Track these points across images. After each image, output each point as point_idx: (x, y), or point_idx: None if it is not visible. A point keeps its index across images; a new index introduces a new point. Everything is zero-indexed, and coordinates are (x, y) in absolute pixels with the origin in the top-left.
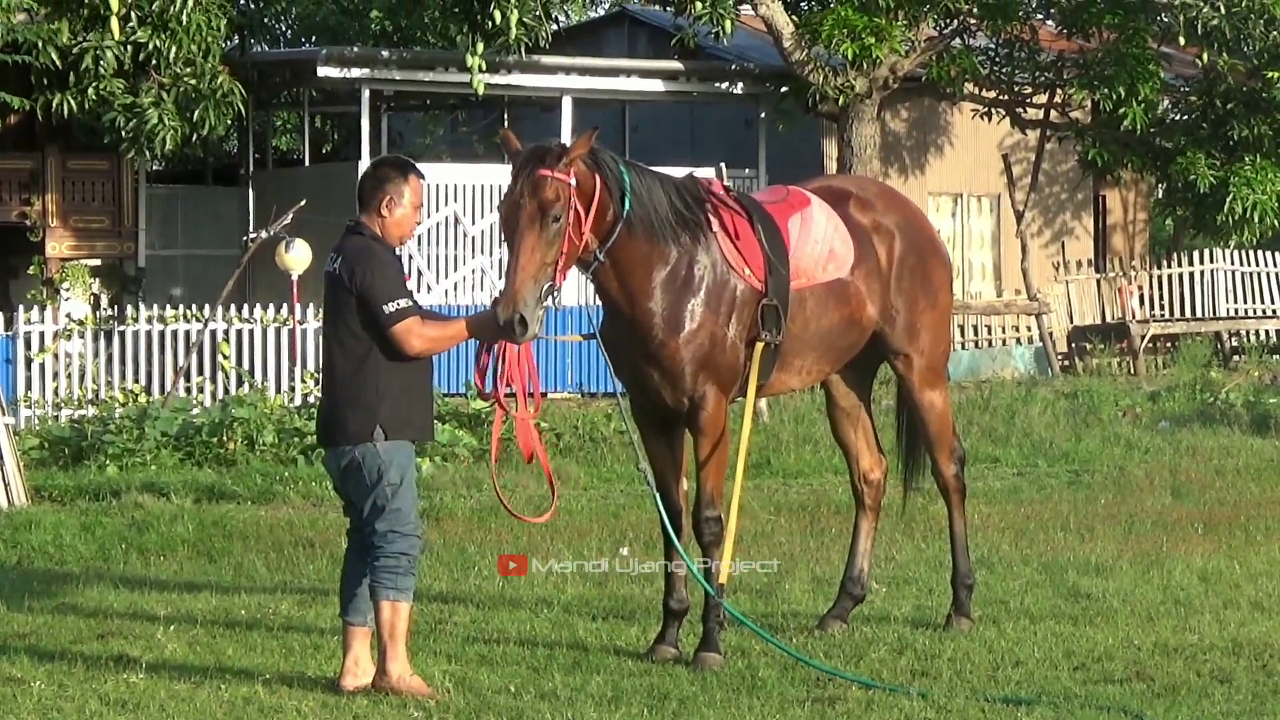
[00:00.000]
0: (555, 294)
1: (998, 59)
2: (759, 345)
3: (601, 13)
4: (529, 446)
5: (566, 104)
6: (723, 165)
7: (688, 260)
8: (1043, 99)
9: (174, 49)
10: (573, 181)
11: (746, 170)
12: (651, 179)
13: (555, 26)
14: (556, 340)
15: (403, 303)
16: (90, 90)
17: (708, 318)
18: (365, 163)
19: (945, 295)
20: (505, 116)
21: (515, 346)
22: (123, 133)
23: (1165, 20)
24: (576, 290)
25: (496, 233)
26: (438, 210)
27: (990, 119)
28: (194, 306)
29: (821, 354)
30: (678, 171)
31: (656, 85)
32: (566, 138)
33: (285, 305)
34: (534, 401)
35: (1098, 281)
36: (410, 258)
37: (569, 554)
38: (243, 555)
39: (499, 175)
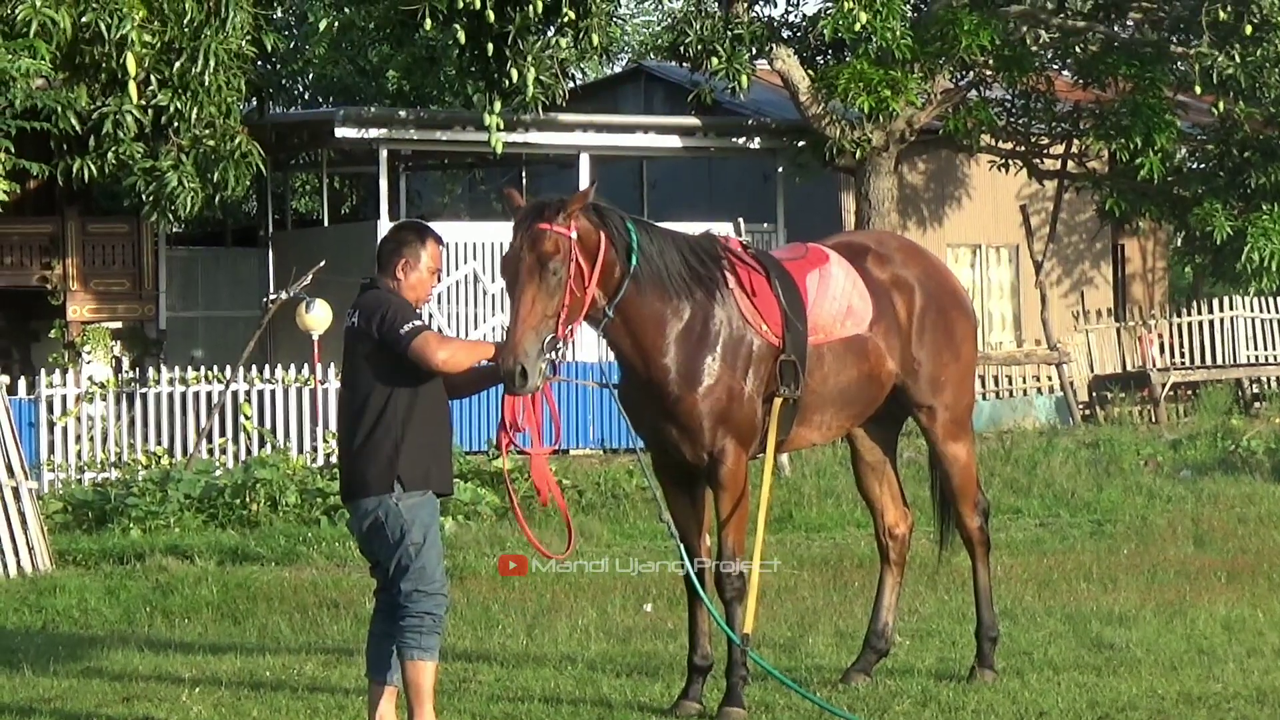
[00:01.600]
0: (560, 348)
1: (1014, 110)
2: (777, 400)
3: (618, 70)
4: (544, 487)
5: (584, 161)
6: (740, 220)
7: (702, 316)
8: (1060, 149)
9: (194, 110)
10: (573, 235)
11: (765, 224)
12: (663, 237)
13: (572, 84)
14: (576, 384)
15: (417, 322)
16: (110, 154)
17: (724, 373)
18: (384, 222)
19: (968, 348)
20: (523, 174)
21: (519, 397)
22: (143, 196)
23: (1181, 69)
24: (598, 346)
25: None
26: (457, 269)
27: (1007, 170)
28: (215, 368)
29: (841, 408)
30: (695, 227)
31: (674, 141)
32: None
33: (306, 365)
34: (547, 441)
35: (1118, 330)
36: (430, 316)
37: (592, 609)
38: (267, 617)
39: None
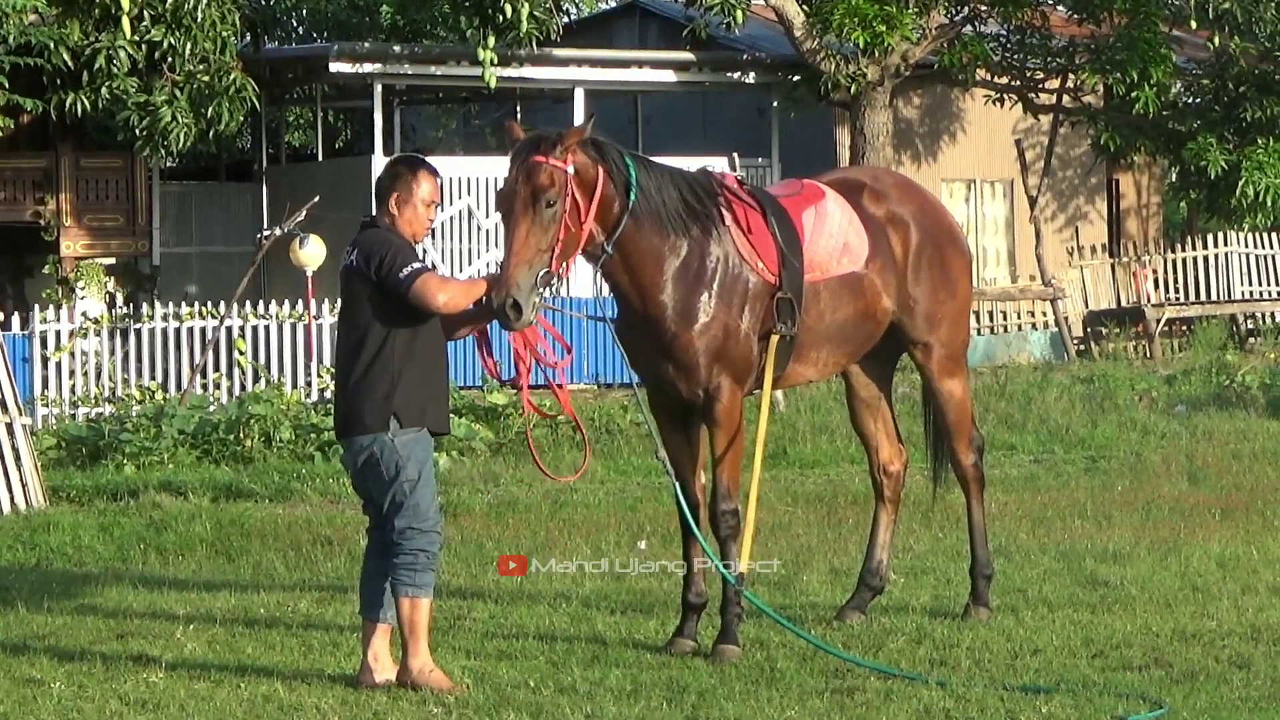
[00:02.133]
0: (555, 282)
1: (1009, 45)
2: (774, 338)
3: (612, 4)
4: (566, 406)
5: (579, 96)
6: (735, 155)
7: (699, 253)
8: (1055, 84)
9: (188, 46)
10: (570, 169)
11: (760, 159)
12: (661, 173)
13: (566, 19)
14: (570, 315)
15: (417, 264)
16: (103, 89)
17: (721, 310)
18: (378, 157)
19: (964, 284)
20: (518, 109)
21: (513, 331)
22: (136, 131)
23: (1177, 4)
24: (594, 280)
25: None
26: (451, 204)
27: (1003, 105)
28: (209, 304)
29: (837, 346)
30: (690, 162)
31: (668, 76)
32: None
33: (300, 301)
34: (557, 372)
35: (1112, 266)
36: (425, 252)
37: (586, 547)
38: (261, 554)
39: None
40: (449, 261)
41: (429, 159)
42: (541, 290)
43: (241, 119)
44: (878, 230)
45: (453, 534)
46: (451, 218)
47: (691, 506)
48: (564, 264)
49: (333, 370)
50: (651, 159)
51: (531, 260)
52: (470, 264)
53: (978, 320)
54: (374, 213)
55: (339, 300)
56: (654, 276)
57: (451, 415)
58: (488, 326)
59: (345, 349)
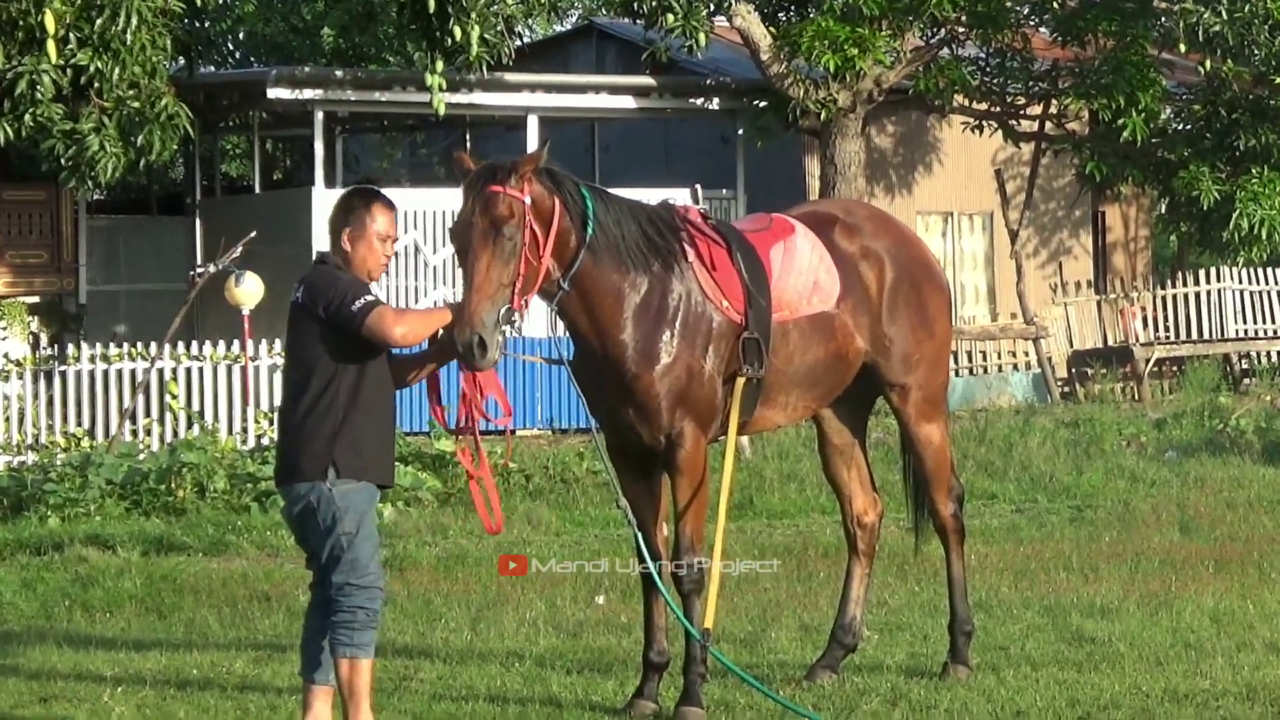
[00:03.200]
0: (515, 320)
1: (989, 69)
2: (739, 380)
3: (568, 27)
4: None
5: (532, 123)
6: (698, 186)
7: (661, 291)
8: (1037, 110)
9: (116, 70)
10: (527, 200)
11: (724, 190)
12: (619, 206)
13: (519, 42)
14: (523, 360)
15: (368, 298)
16: (26, 117)
17: (684, 350)
18: (320, 189)
19: (943, 323)
20: (467, 137)
21: (476, 372)
22: (62, 160)
23: (1165, 25)
24: (548, 320)
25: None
26: (397, 240)
27: (981, 132)
28: (139, 344)
29: (808, 389)
30: (651, 193)
31: (627, 102)
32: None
33: (236, 342)
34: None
35: (1098, 303)
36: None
37: (540, 603)
38: (194, 611)
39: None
40: (395, 300)
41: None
42: (504, 328)
43: (174, 148)
44: (850, 267)
45: (398, 589)
46: (397, 253)
47: (653, 559)
48: (524, 300)
49: (270, 415)
50: (609, 190)
51: (494, 295)
52: (417, 303)
53: (956, 361)
54: (326, 249)
55: (287, 340)
56: (613, 315)
57: (397, 463)
58: (440, 372)
59: (289, 391)
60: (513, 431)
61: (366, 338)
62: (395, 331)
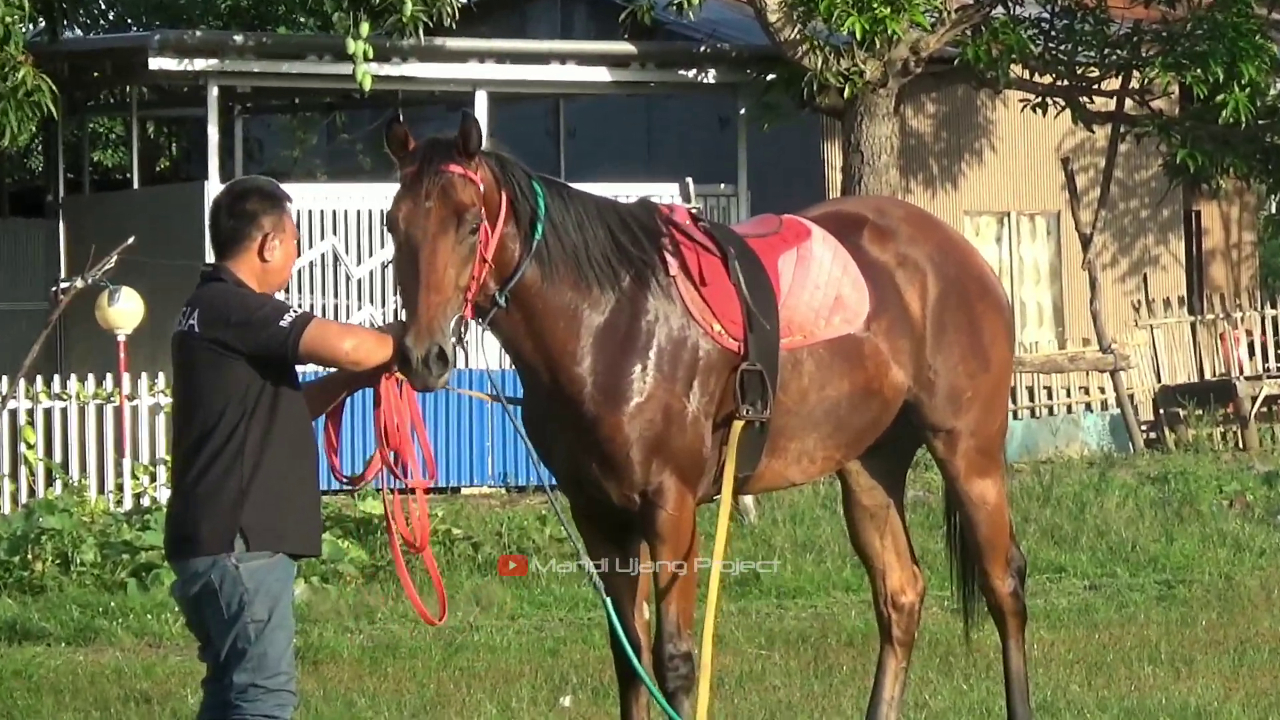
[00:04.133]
0: (465, 334)
1: (1054, 33)
2: (736, 424)
3: None
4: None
5: (481, 100)
6: (689, 180)
7: (631, 310)
8: (1115, 84)
9: None
10: (482, 186)
11: (722, 186)
12: (583, 204)
13: (465, 0)
14: (458, 393)
15: (294, 311)
16: None
17: (659, 386)
18: (214, 183)
19: (1000, 350)
20: (399, 118)
21: (428, 390)
22: None
23: None
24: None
25: (391, 274)
26: (311, 246)
27: (1045, 112)
28: None
29: (828, 435)
30: (630, 189)
31: (600, 74)
32: (483, 145)
33: (110, 375)
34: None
35: (1192, 326)
36: None
37: (491, 705)
38: (55, 715)
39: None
40: None
41: (282, 185)
42: (457, 342)
43: (32, 131)
44: (883, 279)
45: (312, 688)
46: (311, 264)
47: (632, 648)
48: (469, 312)
49: (151, 469)
50: (571, 185)
51: (451, 299)
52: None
53: (1015, 399)
54: (218, 262)
55: (175, 378)
56: (567, 340)
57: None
58: (346, 402)
59: (181, 441)
60: (456, 489)
61: (306, 358)
62: (344, 345)
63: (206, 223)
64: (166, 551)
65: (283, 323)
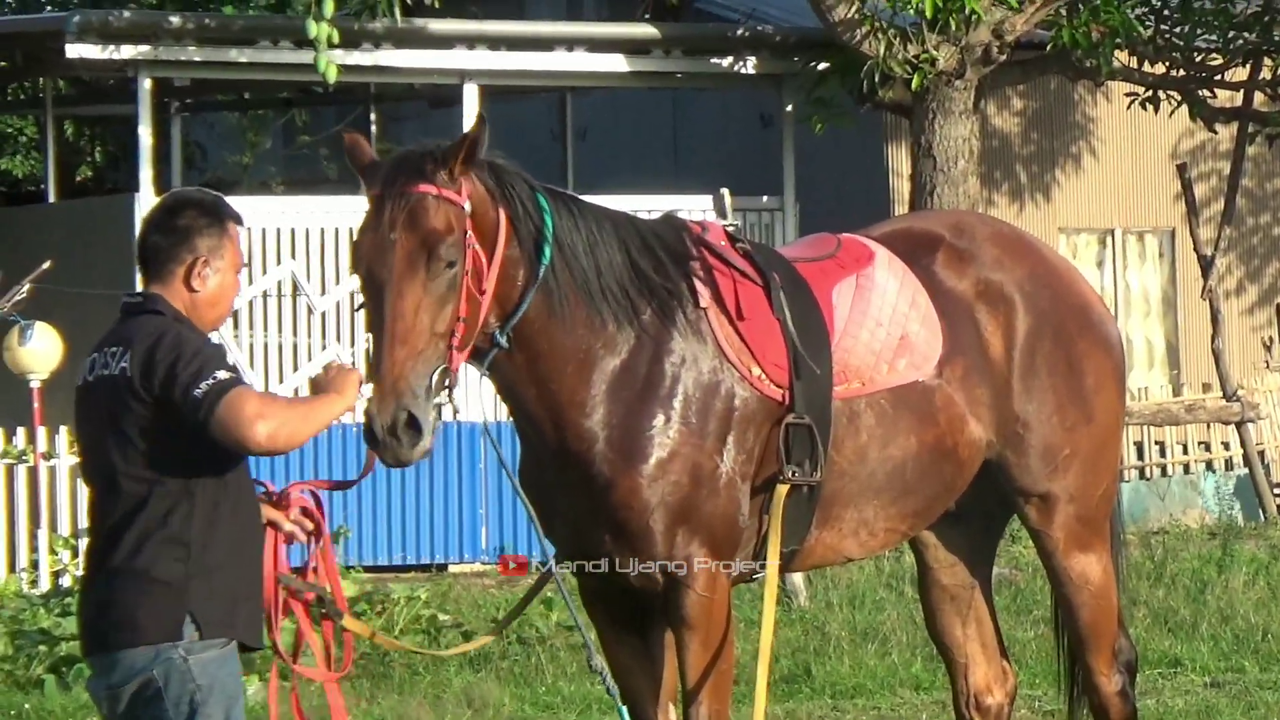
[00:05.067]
0: (451, 385)
1: (1168, 13)
2: (780, 488)
3: None
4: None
5: (470, 95)
6: (725, 192)
7: (653, 351)
8: (1241, 74)
9: None
10: (466, 206)
11: (764, 198)
12: (597, 221)
13: None
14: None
15: (220, 374)
16: None
17: (686, 441)
18: (146, 195)
19: (1107, 398)
20: (372, 117)
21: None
22: None
23: None
24: (495, 401)
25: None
26: (265, 272)
27: (1157, 109)
28: None
29: (891, 502)
30: (653, 202)
31: (616, 63)
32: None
33: (22, 430)
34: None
35: None
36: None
37: None
38: None
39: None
40: (262, 363)
41: (228, 199)
42: (439, 399)
43: None
44: (961, 313)
45: None
46: (266, 293)
47: None
48: (462, 358)
49: (72, 543)
50: (582, 199)
51: (424, 350)
52: (296, 369)
53: (1122, 458)
54: (146, 289)
55: (87, 429)
56: (575, 389)
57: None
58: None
59: (106, 514)
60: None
61: (214, 435)
62: (258, 431)
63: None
64: (87, 644)
65: (197, 389)
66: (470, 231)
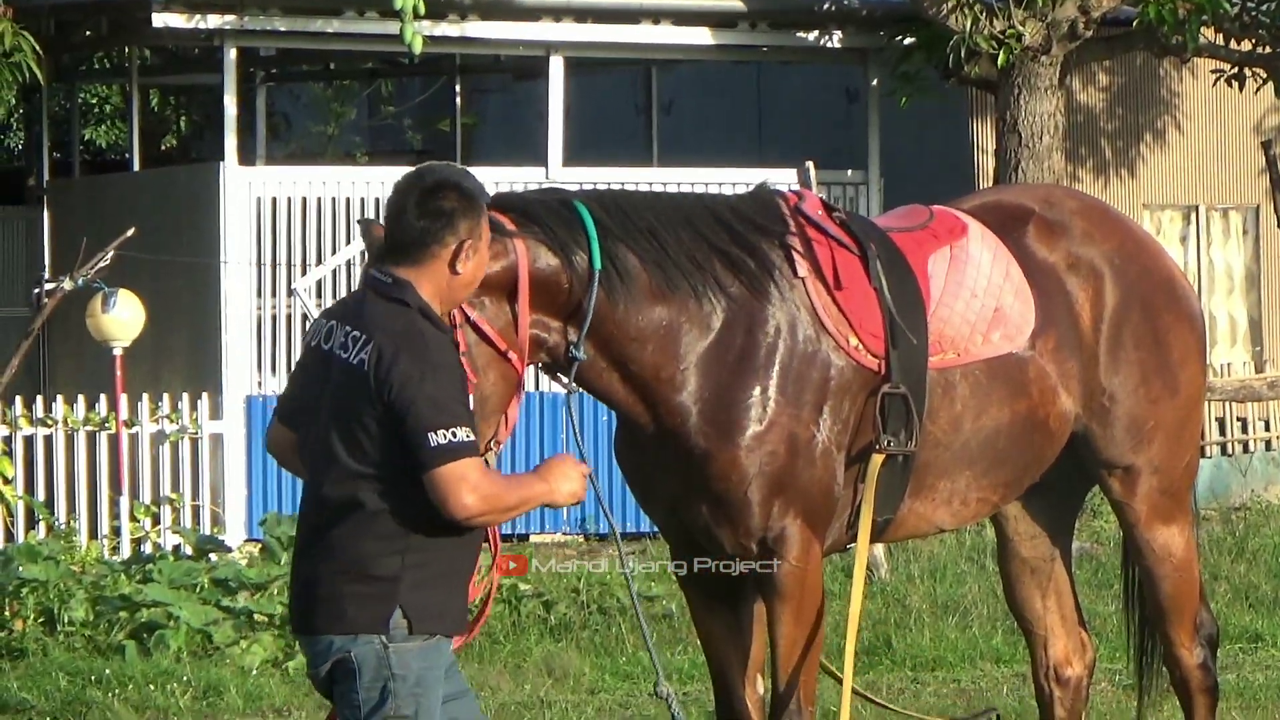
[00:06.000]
0: (488, 460)
1: None
2: (876, 458)
3: None
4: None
5: (556, 67)
6: (810, 166)
7: (746, 322)
8: None
9: None
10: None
11: (849, 173)
12: (652, 210)
13: None
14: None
15: (461, 433)
16: None
17: (783, 411)
18: (232, 166)
19: (1191, 371)
20: (457, 89)
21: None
22: None
23: None
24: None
25: None
26: (349, 242)
27: (1243, 86)
28: None
29: (984, 473)
30: (736, 175)
31: (701, 36)
32: (556, 119)
33: (104, 396)
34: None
35: None
36: (291, 329)
37: None
38: None
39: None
40: None
41: (314, 170)
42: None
43: (11, 101)
44: (1052, 285)
45: None
46: (349, 263)
47: None
48: (503, 419)
49: (153, 510)
50: (637, 191)
51: None
52: None
53: (1202, 434)
54: (393, 268)
55: (309, 391)
56: (660, 366)
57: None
58: None
59: (325, 492)
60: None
61: (425, 485)
62: (468, 505)
63: (385, 216)
64: (295, 620)
65: (433, 439)
66: (462, 308)
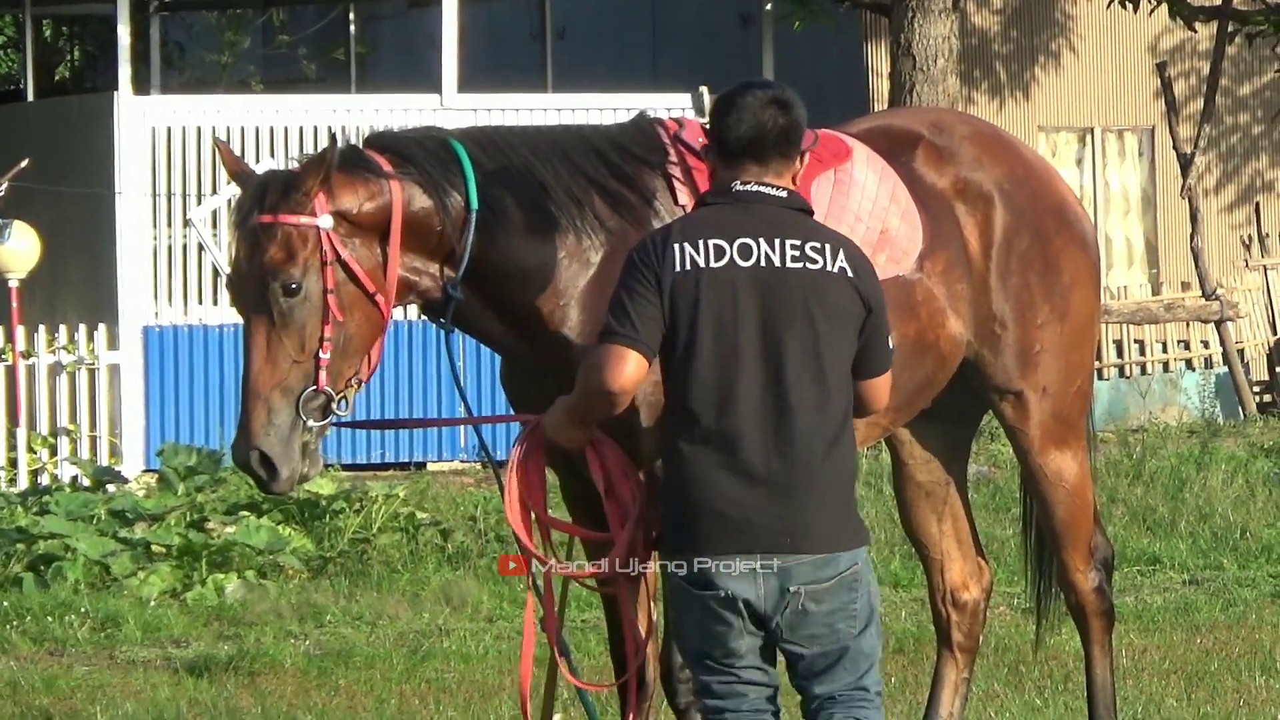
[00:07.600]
0: (341, 407)
1: None
2: None
3: None
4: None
5: None
6: (704, 90)
7: (626, 254)
8: None
9: None
10: (325, 221)
11: None
12: (530, 145)
13: None
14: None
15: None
16: None
17: None
18: (126, 95)
19: (1083, 295)
20: (351, 18)
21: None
22: None
23: None
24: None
25: None
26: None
27: (1137, 7)
28: None
29: None
30: (630, 100)
31: None
32: (450, 46)
33: (1, 327)
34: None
35: None
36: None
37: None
38: None
39: (356, 111)
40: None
41: (209, 99)
42: (319, 421)
43: None
44: (940, 209)
45: (248, 704)
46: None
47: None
48: (356, 366)
49: (50, 441)
50: (516, 128)
51: (285, 382)
52: None
53: (1100, 356)
54: (767, 179)
55: (791, 319)
56: (539, 304)
57: (251, 516)
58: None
59: (812, 398)
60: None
61: (862, 392)
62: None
63: (737, 118)
64: (796, 537)
65: (891, 343)
66: (332, 245)
